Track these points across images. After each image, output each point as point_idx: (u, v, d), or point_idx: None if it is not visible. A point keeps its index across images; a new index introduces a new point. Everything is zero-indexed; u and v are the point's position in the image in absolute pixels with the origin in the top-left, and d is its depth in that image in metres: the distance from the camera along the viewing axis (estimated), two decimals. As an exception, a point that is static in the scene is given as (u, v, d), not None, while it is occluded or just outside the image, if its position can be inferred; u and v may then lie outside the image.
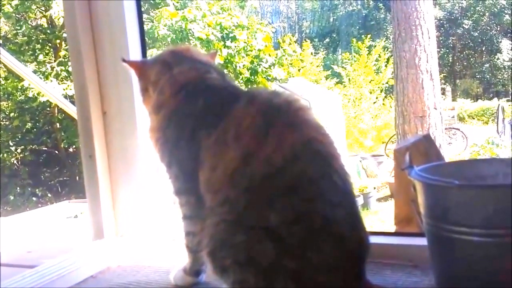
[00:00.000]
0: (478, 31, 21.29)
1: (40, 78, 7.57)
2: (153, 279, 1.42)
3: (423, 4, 7.29)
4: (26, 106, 8.84)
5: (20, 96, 8.82)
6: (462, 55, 22.71)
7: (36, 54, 8.88)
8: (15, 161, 9.15)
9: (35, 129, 9.32)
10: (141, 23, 1.72)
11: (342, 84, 14.58)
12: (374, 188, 7.81)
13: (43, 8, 8.91)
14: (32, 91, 7.85)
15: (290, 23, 24.76)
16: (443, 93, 14.66)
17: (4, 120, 9.15)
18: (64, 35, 7.48)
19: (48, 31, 8.95)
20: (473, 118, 16.76)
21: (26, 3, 8.51)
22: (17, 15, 8.73)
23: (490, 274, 0.97)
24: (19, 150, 9.10)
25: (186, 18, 7.83)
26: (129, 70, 1.37)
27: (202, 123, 1.15)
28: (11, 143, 8.95)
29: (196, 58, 1.31)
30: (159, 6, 8.59)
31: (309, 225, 0.99)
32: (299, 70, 13.62)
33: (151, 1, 8.99)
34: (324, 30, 23.55)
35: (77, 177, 8.83)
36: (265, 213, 0.99)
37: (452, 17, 21.18)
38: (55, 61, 8.57)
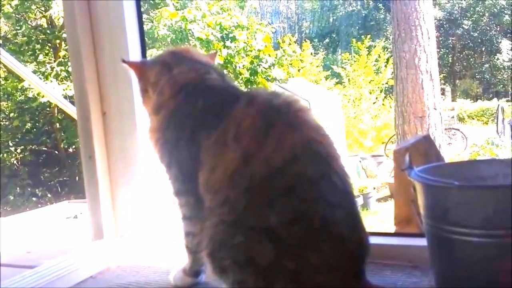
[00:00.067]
0: (477, 32, 21.31)
1: (40, 78, 7.57)
2: (153, 280, 1.42)
3: (423, 5, 7.30)
4: (26, 106, 8.83)
5: (20, 96, 8.81)
6: (461, 56, 22.73)
7: (36, 54, 8.87)
8: (15, 161, 9.14)
9: (35, 129, 9.32)
10: (140, 23, 1.72)
11: (342, 85, 14.60)
12: (374, 188, 7.82)
13: (43, 8, 8.91)
14: (32, 92, 7.84)
15: (290, 23, 24.79)
16: (443, 94, 14.67)
17: (4, 120, 9.15)
18: (64, 35, 7.47)
19: (48, 31, 8.94)
20: (473, 119, 16.77)
21: (26, 3, 8.50)
22: (17, 15, 8.73)
23: (490, 275, 0.97)
24: (19, 150, 9.10)
25: (186, 18, 7.83)
26: (129, 70, 1.37)
27: (202, 123, 1.15)
28: (11, 143, 8.94)
29: (195, 58, 1.31)
30: (159, 6, 8.58)
31: (308, 225, 0.99)
32: (298, 70, 13.63)
33: (151, 1, 8.99)
34: (323, 30, 23.58)
35: (77, 177, 8.83)
36: (265, 213, 0.99)
37: (452, 18, 21.20)
38: (54, 61, 8.57)
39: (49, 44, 9.07)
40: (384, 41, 15.97)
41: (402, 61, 7.36)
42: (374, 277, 1.24)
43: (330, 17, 24.05)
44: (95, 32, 1.67)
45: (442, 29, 20.51)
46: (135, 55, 1.67)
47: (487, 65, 21.72)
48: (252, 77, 8.17)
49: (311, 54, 15.65)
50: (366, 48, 14.29)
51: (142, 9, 1.78)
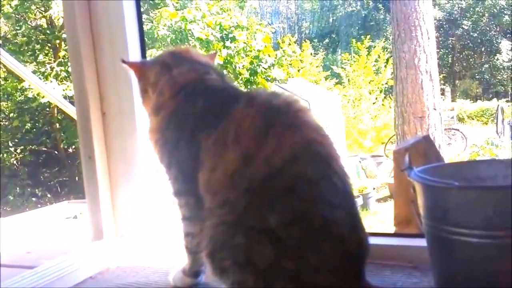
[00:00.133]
0: (477, 32, 21.31)
1: (40, 78, 7.56)
2: (153, 280, 1.42)
3: (423, 5, 7.30)
4: (26, 107, 8.83)
5: (19, 96, 8.81)
6: (461, 56, 22.74)
7: (36, 54, 8.87)
8: (14, 162, 9.14)
9: (34, 130, 9.31)
10: (140, 24, 1.72)
11: (342, 85, 14.62)
12: (374, 188, 7.82)
13: (42, 9, 8.90)
14: (32, 92, 7.84)
15: (290, 23, 24.80)
16: (443, 94, 14.66)
17: (3, 120, 9.14)
18: (64, 35, 7.47)
19: (48, 32, 8.93)
20: (473, 119, 16.77)
21: (25, 3, 8.49)
22: (16, 16, 8.72)
23: (490, 275, 0.97)
24: (18, 151, 9.09)
25: (185, 18, 7.82)
26: (129, 71, 1.37)
27: (202, 124, 1.15)
28: (10, 144, 8.93)
29: (195, 59, 1.31)
30: (159, 7, 8.57)
31: (308, 225, 0.99)
32: (298, 70, 13.64)
33: (151, 1, 8.98)
34: (323, 30, 23.59)
35: (77, 178, 8.83)
36: (265, 214, 0.99)
37: (452, 18, 21.20)
38: (54, 61, 8.56)
39: (49, 44, 9.06)
40: (383, 42, 15.99)
41: (402, 61, 7.36)
42: (374, 278, 1.24)
43: (330, 17, 24.06)
44: (95, 32, 1.67)
45: (441, 29, 20.51)
46: (134, 56, 1.67)
47: (486, 66, 21.72)
48: (252, 78, 8.16)
49: (311, 54, 15.67)
50: (366, 48, 14.30)
51: (142, 9, 1.78)
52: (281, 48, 9.74)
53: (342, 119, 11.16)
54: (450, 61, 22.20)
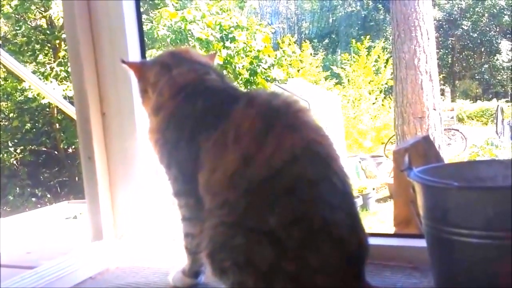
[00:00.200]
0: (477, 32, 21.32)
1: (40, 78, 7.57)
2: (152, 281, 1.42)
3: (422, 5, 7.30)
4: (26, 107, 8.83)
5: (19, 96, 8.81)
6: (461, 56, 22.74)
7: (36, 54, 8.87)
8: (14, 162, 9.14)
9: (34, 130, 9.31)
10: (140, 24, 1.72)
11: (342, 85, 14.62)
12: (373, 189, 7.82)
13: (42, 9, 8.90)
14: (31, 92, 7.84)
15: (290, 24, 24.80)
16: (442, 94, 14.68)
17: (3, 120, 9.14)
18: (64, 35, 7.47)
19: (48, 32, 8.94)
20: (472, 119, 16.78)
21: (25, 3, 8.49)
22: (16, 16, 8.72)
23: (489, 277, 0.96)
24: (18, 151, 9.09)
25: (185, 18, 7.81)
26: (128, 71, 1.37)
27: (202, 124, 1.15)
28: (10, 144, 8.94)
29: (195, 59, 1.31)
30: (159, 7, 8.58)
31: (308, 226, 0.98)
32: (298, 71, 13.64)
33: (151, 1, 8.98)
34: (323, 31, 23.58)
35: (77, 178, 8.83)
36: (265, 214, 0.99)
37: (451, 18, 21.20)
38: (54, 61, 8.57)
39: (49, 45, 9.07)
40: (383, 42, 15.99)
41: (402, 61, 7.36)
42: (374, 278, 1.24)
43: (330, 17, 24.05)
44: (95, 33, 1.67)
45: (441, 29, 20.51)
46: (134, 56, 1.67)
47: (486, 66, 21.72)
48: (252, 78, 8.15)
49: (311, 54, 15.67)
50: (366, 48, 14.31)
51: (141, 10, 1.78)
52: (281, 48, 9.74)
53: (341, 120, 11.16)
54: (450, 61, 22.20)
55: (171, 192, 1.26)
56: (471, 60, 22.73)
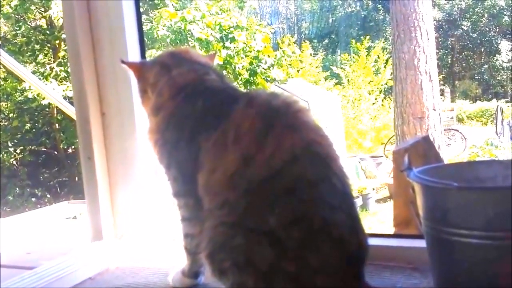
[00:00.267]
0: (477, 33, 21.32)
1: (40, 79, 7.57)
2: (152, 281, 1.42)
3: (422, 5, 7.31)
4: (25, 107, 8.83)
5: (19, 96, 8.81)
6: (461, 56, 22.75)
7: (35, 54, 8.88)
8: (14, 162, 9.14)
9: (34, 130, 9.32)
10: (140, 24, 1.72)
11: (341, 85, 14.62)
12: (373, 189, 7.82)
13: (42, 9, 8.90)
14: (31, 92, 7.84)
15: (289, 24, 24.81)
16: (442, 94, 14.67)
17: (3, 120, 9.14)
18: (63, 36, 7.46)
19: (48, 32, 8.94)
20: (472, 119, 16.78)
21: (25, 3, 8.49)
22: (16, 16, 8.72)
23: (489, 277, 0.96)
24: (18, 151, 9.09)
25: (185, 19, 7.81)
26: (128, 71, 1.37)
27: (201, 124, 1.15)
28: (10, 144, 8.94)
29: (195, 60, 1.31)
30: (158, 7, 8.58)
31: (308, 226, 0.98)
32: (298, 71, 13.64)
33: (151, 1, 8.98)
34: (323, 31, 23.59)
35: (76, 178, 8.83)
36: (265, 215, 0.99)
37: (451, 18, 21.20)
38: (54, 62, 8.57)
39: (49, 45, 9.07)
40: (383, 42, 16.00)
41: (401, 62, 7.37)
42: (374, 279, 1.24)
43: (330, 18, 24.06)
44: (95, 33, 1.67)
45: (441, 30, 20.52)
46: (134, 56, 1.67)
47: (486, 66, 21.72)
48: (252, 78, 8.15)
49: (311, 54, 15.66)
50: (366, 49, 14.31)
51: (141, 10, 1.78)
52: (281, 48, 9.73)
53: (341, 120, 11.16)
54: (449, 61, 22.21)
55: (171, 192, 1.26)
56: (470, 60, 22.74)
